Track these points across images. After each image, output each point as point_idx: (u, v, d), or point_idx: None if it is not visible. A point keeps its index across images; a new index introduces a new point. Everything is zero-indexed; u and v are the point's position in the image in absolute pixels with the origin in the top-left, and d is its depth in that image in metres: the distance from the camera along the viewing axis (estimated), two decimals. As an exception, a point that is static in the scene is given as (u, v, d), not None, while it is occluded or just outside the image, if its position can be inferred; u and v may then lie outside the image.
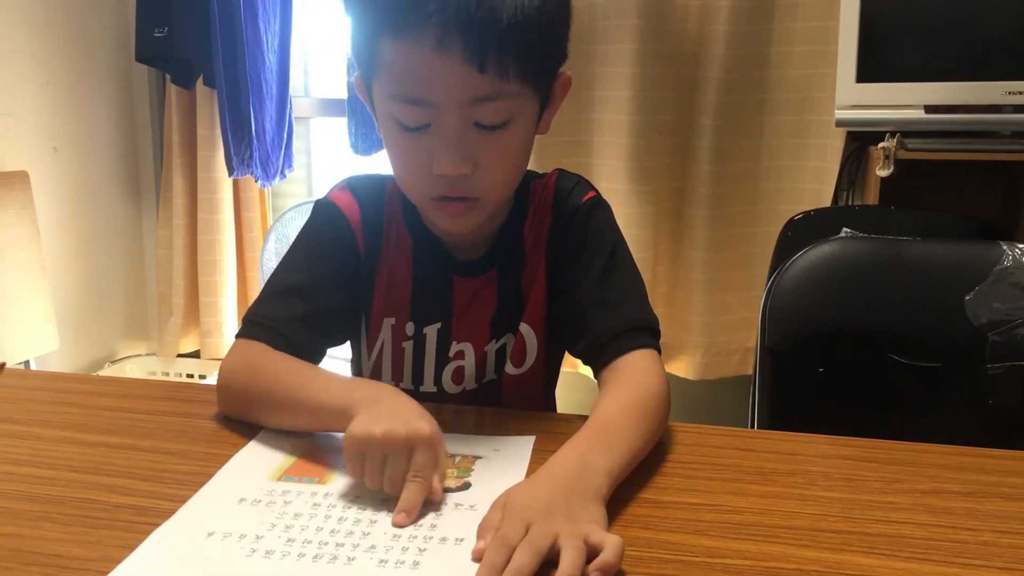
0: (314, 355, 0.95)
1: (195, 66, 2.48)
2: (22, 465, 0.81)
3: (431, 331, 1.01)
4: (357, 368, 1.08)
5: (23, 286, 2.26)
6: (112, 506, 0.73)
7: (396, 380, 1.03)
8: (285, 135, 2.50)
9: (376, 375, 1.03)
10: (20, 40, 2.33)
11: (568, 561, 0.61)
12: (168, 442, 0.86)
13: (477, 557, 0.64)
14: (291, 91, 2.51)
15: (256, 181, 2.52)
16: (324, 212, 1.00)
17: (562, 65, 0.92)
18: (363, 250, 1.00)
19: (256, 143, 2.43)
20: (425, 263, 1.00)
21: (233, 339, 0.96)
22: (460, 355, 1.01)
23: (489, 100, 0.84)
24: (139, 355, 2.82)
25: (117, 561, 0.64)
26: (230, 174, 2.48)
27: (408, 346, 1.01)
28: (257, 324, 0.94)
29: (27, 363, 2.29)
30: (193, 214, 2.59)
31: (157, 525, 0.69)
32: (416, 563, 0.64)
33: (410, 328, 1.01)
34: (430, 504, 0.72)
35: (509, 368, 1.02)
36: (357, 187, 1.01)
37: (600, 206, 1.01)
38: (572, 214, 0.99)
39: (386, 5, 0.83)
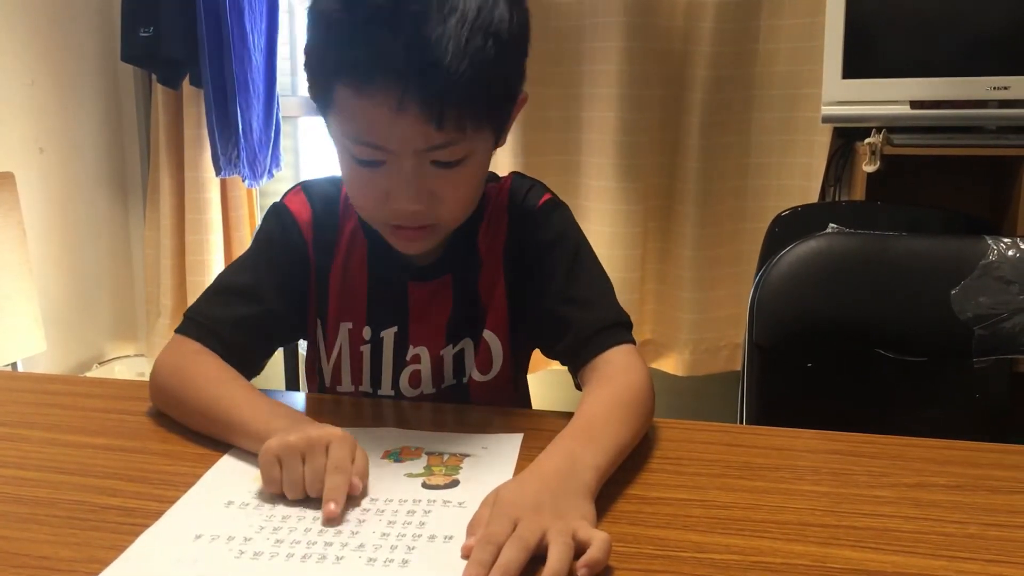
0: (248, 357, 0.96)
1: (181, 66, 2.46)
2: (8, 467, 0.80)
3: (388, 335, 1.01)
4: (316, 370, 1.07)
5: (9, 287, 2.25)
6: (99, 507, 0.73)
7: (355, 384, 1.03)
8: (272, 134, 2.49)
9: (335, 379, 1.03)
10: (4, 40, 2.32)
11: (555, 557, 0.61)
12: (155, 443, 0.86)
13: (466, 554, 0.64)
14: (278, 90, 2.50)
15: (243, 181, 2.51)
16: (275, 216, 1.01)
17: (520, 89, 0.91)
18: (313, 254, 1.00)
19: (243, 142, 2.42)
20: (380, 268, 1.00)
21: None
22: (416, 359, 1.01)
23: (446, 146, 0.84)
24: (127, 356, 2.81)
25: (105, 562, 0.64)
26: (217, 174, 2.47)
27: (366, 350, 1.01)
28: (195, 322, 0.94)
29: (14, 365, 2.28)
30: (180, 214, 2.58)
31: (145, 526, 0.69)
32: (405, 561, 0.64)
33: (367, 332, 1.01)
34: (353, 500, 0.72)
35: (476, 375, 1.02)
36: (312, 190, 1.02)
37: (558, 208, 1.01)
38: (529, 218, 1.00)
39: (342, 57, 0.82)
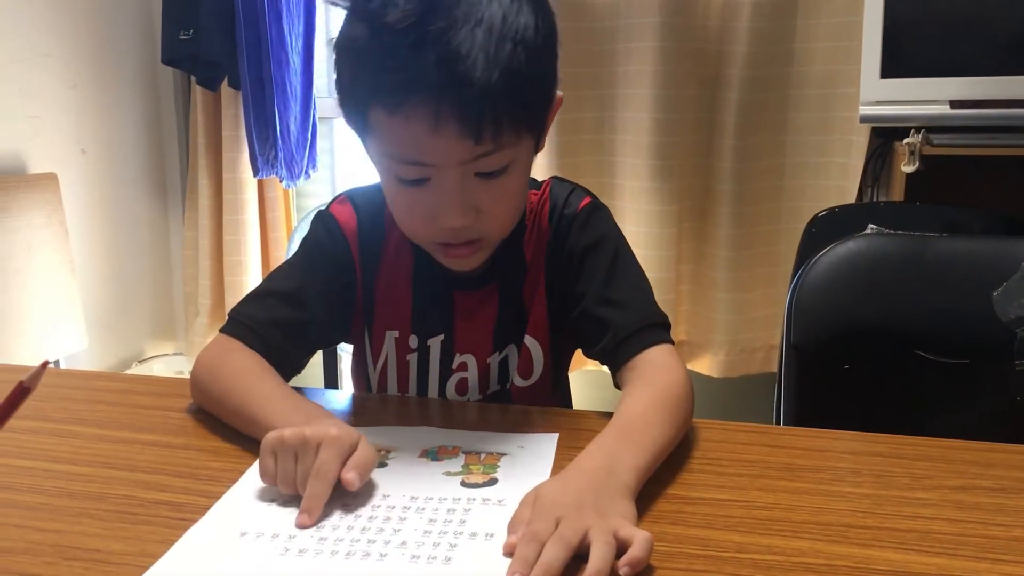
0: (289, 361, 0.96)
1: (220, 68, 2.50)
2: (60, 462, 0.82)
3: (435, 343, 1.02)
4: (363, 377, 1.08)
5: (53, 286, 2.29)
6: (149, 502, 0.74)
7: (401, 391, 1.04)
8: (309, 135, 2.52)
9: (382, 386, 1.04)
10: (48, 44, 2.36)
11: (598, 556, 0.61)
12: (200, 439, 0.88)
13: (508, 552, 0.65)
14: (315, 91, 2.52)
15: (280, 181, 2.54)
16: (322, 224, 1.02)
17: (555, 91, 0.91)
18: (359, 263, 1.01)
19: (280, 143, 2.45)
20: (426, 277, 1.00)
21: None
22: (463, 367, 1.02)
23: (487, 155, 0.84)
24: (166, 354, 2.85)
25: (155, 556, 0.65)
26: (255, 175, 2.50)
27: (412, 359, 1.02)
28: (238, 322, 0.96)
29: (57, 363, 2.32)
30: (218, 215, 2.61)
31: (193, 521, 0.71)
32: (448, 559, 0.65)
33: (413, 341, 1.02)
34: (391, 497, 0.73)
35: (517, 380, 1.02)
36: (357, 199, 1.02)
37: (597, 210, 1.02)
38: (571, 222, 1.00)
39: (374, 82, 0.82)
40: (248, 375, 0.90)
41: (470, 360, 1.02)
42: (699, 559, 0.65)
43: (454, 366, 1.02)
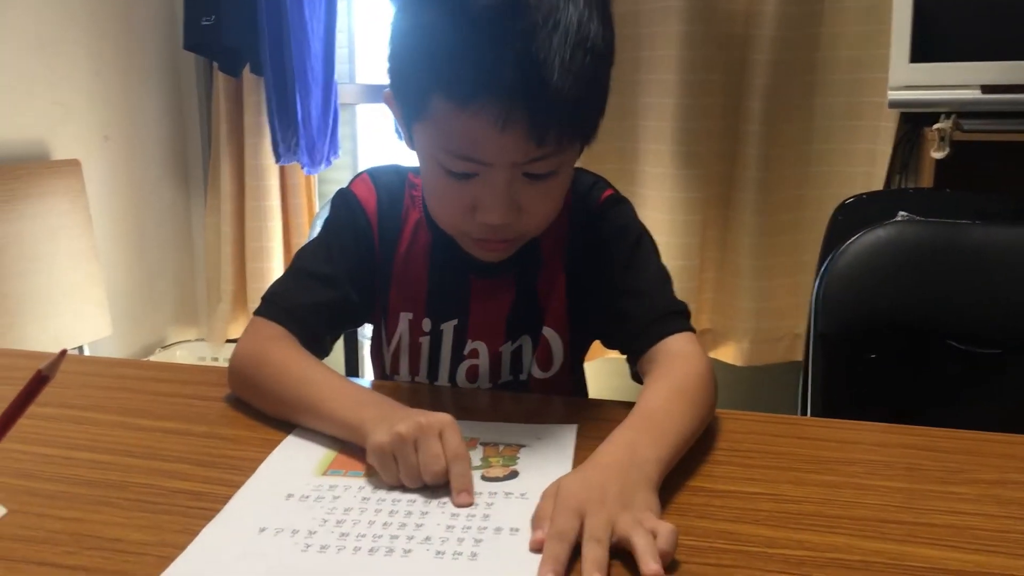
0: (322, 341, 0.96)
1: (242, 54, 2.49)
2: (80, 450, 0.82)
3: (448, 328, 1.01)
4: (378, 359, 1.08)
5: (76, 273, 2.30)
6: (170, 491, 0.73)
7: (412, 373, 1.03)
8: (331, 122, 2.51)
9: (394, 367, 1.04)
10: (71, 31, 2.36)
11: (642, 544, 0.60)
12: (223, 428, 0.87)
13: (535, 548, 0.63)
14: (336, 78, 2.51)
15: (302, 168, 2.53)
16: (343, 201, 1.01)
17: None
18: (378, 241, 1.00)
19: (302, 130, 2.44)
20: (442, 261, 1.00)
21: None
22: (474, 354, 1.01)
23: (542, 159, 0.83)
24: (189, 341, 2.86)
25: (176, 546, 0.65)
26: (277, 161, 2.50)
27: (425, 341, 1.02)
28: (275, 305, 0.95)
29: (81, 348, 2.33)
30: (240, 201, 2.61)
31: (215, 511, 0.70)
32: (474, 554, 0.64)
33: (427, 324, 1.01)
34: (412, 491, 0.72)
35: (536, 372, 1.01)
36: (377, 178, 1.02)
37: (619, 203, 1.01)
38: (591, 214, 0.99)
39: (443, 70, 0.80)
40: (298, 366, 0.88)
41: (481, 347, 1.01)
42: (728, 554, 0.64)
43: (465, 352, 1.01)
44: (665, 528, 0.62)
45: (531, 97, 0.77)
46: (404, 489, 0.73)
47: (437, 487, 0.72)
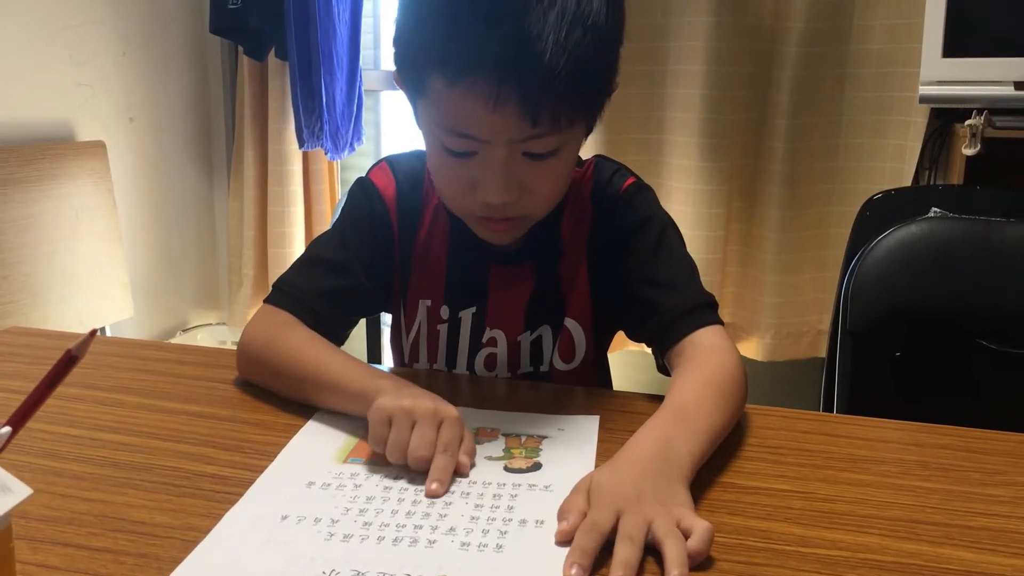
0: (338, 329, 0.96)
1: (267, 38, 2.49)
2: (105, 431, 0.82)
3: (466, 316, 1.00)
4: (397, 347, 1.08)
5: (100, 254, 2.31)
6: (194, 475, 0.73)
7: (431, 361, 1.03)
8: (355, 108, 2.50)
9: (413, 355, 1.03)
10: (98, 11, 2.36)
11: (673, 554, 0.59)
12: (247, 412, 0.87)
13: (561, 540, 0.63)
14: (361, 64, 2.50)
15: (325, 154, 2.53)
16: (361, 190, 1.01)
17: (614, 80, 0.88)
18: (397, 229, 1.00)
19: (326, 116, 2.43)
20: (462, 248, 0.99)
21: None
22: (492, 342, 1.00)
23: (540, 137, 0.82)
24: (210, 324, 2.87)
25: (200, 530, 0.64)
26: (300, 146, 2.49)
27: (443, 329, 1.01)
28: (285, 292, 0.95)
29: (103, 330, 2.34)
30: (263, 186, 2.61)
31: (239, 495, 0.69)
32: (500, 546, 0.63)
33: (445, 311, 1.01)
34: (460, 479, 0.73)
35: (559, 364, 1.01)
36: (397, 166, 1.01)
37: (642, 191, 0.99)
38: (613, 203, 0.98)
39: (437, 48, 0.80)
40: (309, 344, 0.89)
41: (500, 336, 1.00)
42: (760, 552, 0.63)
43: (484, 340, 1.01)
44: (701, 527, 0.61)
45: (523, 73, 0.76)
46: (426, 479, 0.72)
47: (460, 479, 0.72)
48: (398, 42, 0.86)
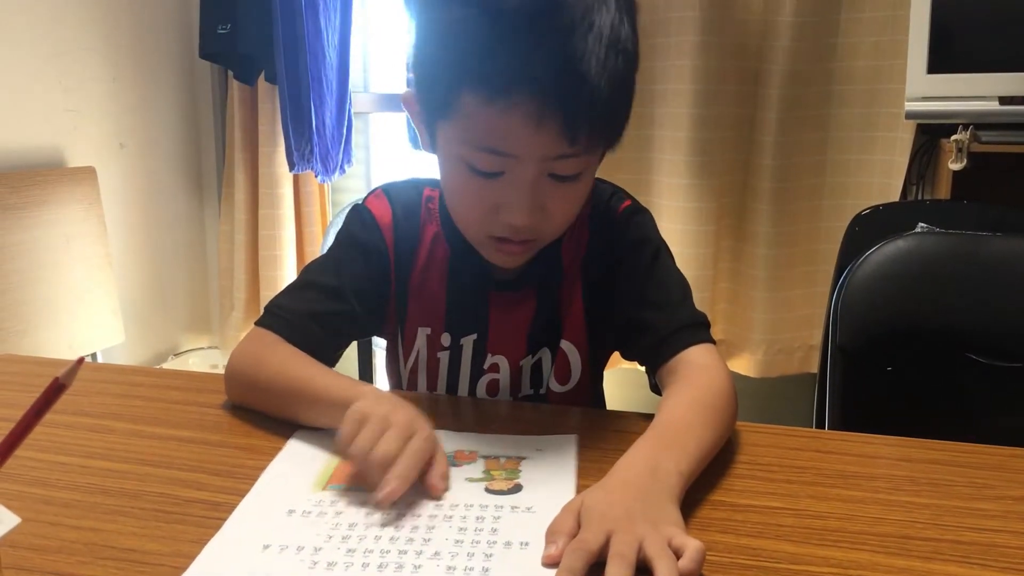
0: (327, 353, 0.95)
1: (257, 62, 2.50)
2: (95, 458, 0.81)
3: (467, 342, 1.00)
4: (394, 373, 1.07)
5: (91, 280, 2.31)
6: (184, 500, 0.73)
7: (431, 389, 1.02)
8: (345, 130, 2.51)
9: (412, 384, 1.03)
10: (88, 38, 2.37)
11: (665, 573, 0.59)
12: (237, 437, 0.86)
13: (548, 562, 0.62)
14: (351, 86, 2.51)
15: (316, 176, 2.53)
16: (357, 217, 1.01)
17: None
18: (393, 257, 0.99)
19: (316, 138, 2.44)
20: (461, 275, 0.99)
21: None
22: (495, 368, 1.00)
23: (570, 158, 0.82)
24: (202, 348, 2.86)
25: (191, 557, 0.64)
26: (291, 169, 2.50)
27: (444, 356, 1.01)
28: (275, 315, 0.95)
29: (94, 355, 2.33)
30: (254, 209, 2.61)
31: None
32: (485, 569, 0.63)
33: (446, 339, 1.00)
34: (418, 505, 0.71)
35: (554, 386, 1.01)
36: (392, 194, 1.01)
37: (638, 213, 1.00)
38: (610, 225, 0.98)
39: (476, 66, 0.79)
40: (294, 360, 0.89)
41: (502, 361, 1.00)
42: (751, 570, 0.63)
43: (486, 366, 1.00)
44: (692, 546, 0.61)
45: (567, 94, 0.77)
46: (408, 503, 0.71)
47: (442, 503, 0.72)
48: (419, 62, 0.86)
